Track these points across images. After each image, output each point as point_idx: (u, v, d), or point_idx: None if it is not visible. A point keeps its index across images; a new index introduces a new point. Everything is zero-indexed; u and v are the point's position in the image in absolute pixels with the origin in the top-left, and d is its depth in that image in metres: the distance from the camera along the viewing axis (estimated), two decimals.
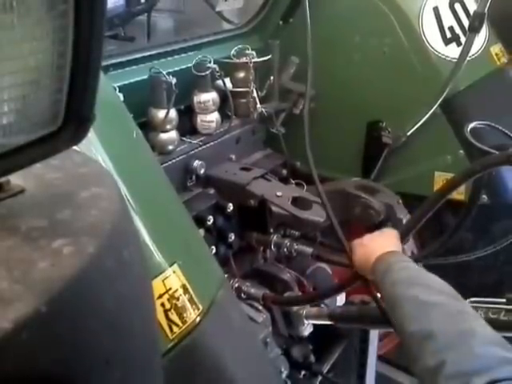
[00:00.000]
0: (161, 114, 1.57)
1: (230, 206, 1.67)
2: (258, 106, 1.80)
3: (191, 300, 0.88)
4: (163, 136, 1.59)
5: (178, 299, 0.85)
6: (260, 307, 1.57)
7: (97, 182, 0.62)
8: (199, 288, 0.91)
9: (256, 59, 1.77)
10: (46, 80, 0.47)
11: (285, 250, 1.74)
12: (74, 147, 0.55)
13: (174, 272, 0.88)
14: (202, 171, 1.69)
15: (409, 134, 1.79)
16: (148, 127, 1.56)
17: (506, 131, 1.49)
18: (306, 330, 1.62)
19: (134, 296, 0.56)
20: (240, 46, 1.78)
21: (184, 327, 0.87)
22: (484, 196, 1.69)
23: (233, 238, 1.70)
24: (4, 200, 0.56)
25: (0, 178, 0.53)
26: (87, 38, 0.46)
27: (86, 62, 0.48)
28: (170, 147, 1.62)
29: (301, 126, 1.97)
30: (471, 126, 1.47)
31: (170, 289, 0.85)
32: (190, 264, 0.93)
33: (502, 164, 1.20)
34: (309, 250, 1.73)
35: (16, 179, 0.59)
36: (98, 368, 0.50)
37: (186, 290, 0.88)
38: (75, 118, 0.51)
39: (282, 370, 1.59)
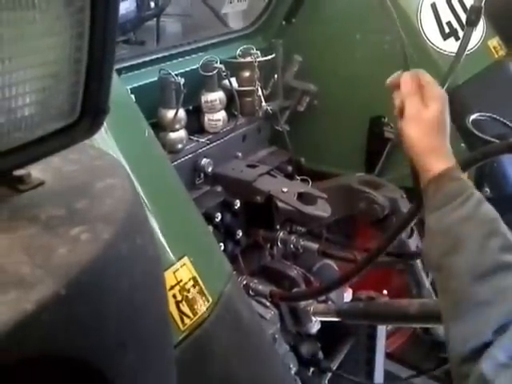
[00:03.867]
0: (170, 113, 1.59)
1: (238, 203, 1.68)
2: (263, 104, 1.82)
3: (201, 292, 0.89)
4: (172, 135, 1.61)
5: (188, 291, 0.86)
6: (268, 304, 1.58)
7: (111, 173, 0.64)
8: (208, 281, 0.92)
9: (260, 58, 1.78)
10: (64, 73, 0.48)
11: (291, 246, 1.75)
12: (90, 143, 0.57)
13: (184, 264, 0.89)
14: (210, 169, 1.71)
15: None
16: (158, 127, 1.57)
17: (507, 122, 1.51)
18: (314, 327, 1.63)
19: (148, 281, 0.58)
20: (245, 46, 1.80)
21: (195, 319, 0.88)
22: (487, 189, 1.69)
23: (240, 234, 1.71)
24: (25, 192, 0.58)
25: (21, 168, 0.54)
26: (102, 32, 0.48)
27: (101, 56, 0.49)
28: (179, 146, 1.63)
29: (305, 123, 1.99)
30: (473, 117, 1.48)
31: (181, 281, 0.87)
32: (200, 257, 0.94)
33: (502, 152, 1.20)
34: (315, 245, 1.74)
35: (36, 172, 0.61)
36: (115, 350, 0.52)
37: (196, 283, 0.89)
38: (91, 109, 0.53)
39: (291, 366, 1.60)
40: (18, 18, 0.43)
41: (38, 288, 0.44)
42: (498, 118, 1.60)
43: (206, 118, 1.77)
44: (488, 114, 1.61)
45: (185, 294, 0.86)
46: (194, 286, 0.87)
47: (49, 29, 0.45)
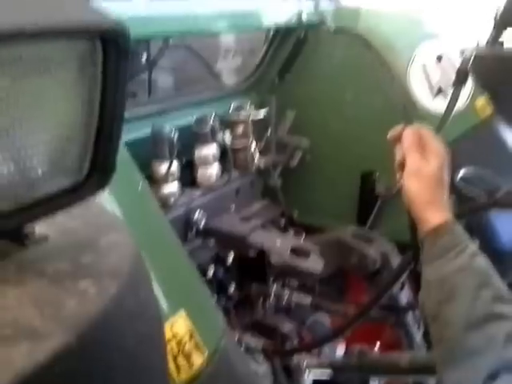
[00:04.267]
0: (163, 167, 1.62)
1: (231, 257, 1.71)
2: (256, 158, 1.87)
3: (197, 345, 0.91)
4: (165, 189, 1.64)
5: (185, 345, 0.89)
6: (260, 359, 1.59)
7: (113, 229, 0.67)
8: (204, 334, 0.94)
9: (254, 114, 1.84)
10: (75, 135, 0.52)
11: (284, 300, 1.77)
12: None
13: (180, 318, 0.91)
14: (203, 222, 1.73)
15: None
16: (151, 180, 1.61)
17: (493, 178, 1.57)
18: (307, 382, 1.63)
19: (150, 334, 0.60)
20: (239, 102, 1.86)
21: (191, 372, 0.90)
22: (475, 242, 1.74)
23: (233, 289, 1.73)
24: (31, 246, 0.61)
25: (31, 224, 0.57)
26: (112, 97, 0.52)
27: (111, 119, 0.53)
28: (172, 199, 1.66)
29: (297, 177, 2.05)
30: (461, 173, 1.54)
31: (178, 334, 0.89)
32: (195, 311, 0.96)
33: (489, 207, 1.26)
34: (308, 299, 1.76)
35: (40, 227, 0.64)
36: None
37: (192, 336, 0.91)
38: (100, 168, 0.57)
39: None
40: (35, 84, 0.47)
41: (49, 340, 0.46)
42: (485, 174, 1.67)
43: (199, 172, 1.81)
44: (476, 171, 1.68)
45: (181, 347, 0.88)
46: (190, 339, 0.90)
47: (63, 95, 0.50)
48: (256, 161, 1.88)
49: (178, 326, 0.90)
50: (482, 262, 0.99)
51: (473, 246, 1.00)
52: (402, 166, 1.08)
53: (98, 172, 0.57)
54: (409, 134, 1.09)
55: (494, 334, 0.88)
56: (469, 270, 0.96)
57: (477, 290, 0.93)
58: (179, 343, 0.88)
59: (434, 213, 1.02)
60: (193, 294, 1.02)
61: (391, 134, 1.14)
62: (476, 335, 0.89)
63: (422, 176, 1.04)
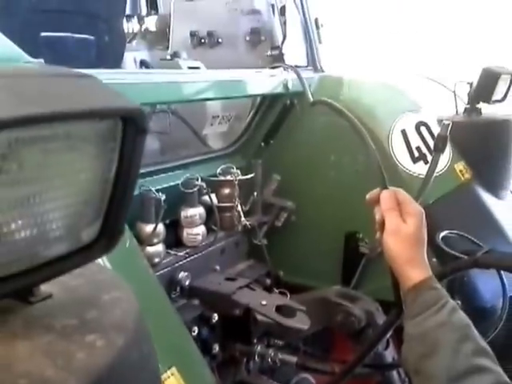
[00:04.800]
0: (149, 228, 1.66)
1: (215, 317, 1.73)
2: (243, 219, 1.94)
3: None
4: (150, 249, 1.67)
5: None
6: None
7: (114, 286, 0.72)
8: None
9: (240, 177, 1.92)
10: (91, 201, 0.59)
11: (269, 360, 1.79)
12: None
13: (172, 374, 0.95)
14: (187, 282, 1.76)
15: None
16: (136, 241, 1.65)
17: (473, 239, 1.66)
18: None
19: None
20: (225, 165, 1.95)
21: None
22: (458, 301, 1.79)
23: (217, 349, 1.75)
24: (36, 303, 0.66)
25: (44, 283, 0.63)
26: (127, 169, 0.59)
27: (123, 188, 0.60)
28: (157, 260, 1.69)
29: (283, 237, 2.12)
30: (442, 234, 1.63)
31: None
32: (186, 368, 1.01)
33: (470, 267, 1.33)
34: (293, 359, 1.78)
35: (43, 285, 0.69)
36: None
37: None
38: (110, 231, 0.63)
39: None
40: (63, 158, 0.54)
41: None
42: (465, 235, 1.75)
43: (184, 232, 1.85)
44: (456, 232, 1.76)
45: None
46: None
47: (85, 166, 0.57)
48: (242, 221, 1.95)
49: (170, 382, 0.93)
50: (462, 317, 1.05)
51: (452, 302, 1.07)
52: (382, 226, 1.16)
53: (108, 234, 0.63)
54: (386, 195, 1.18)
55: None
56: (449, 324, 1.02)
57: (457, 343, 0.99)
58: None
59: (415, 270, 1.09)
60: (183, 351, 1.07)
61: (369, 196, 1.22)
62: None
63: (401, 235, 1.12)
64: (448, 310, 1.04)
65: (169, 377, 0.94)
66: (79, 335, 0.60)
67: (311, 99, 1.85)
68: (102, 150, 0.57)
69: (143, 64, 2.58)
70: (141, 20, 2.86)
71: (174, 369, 0.95)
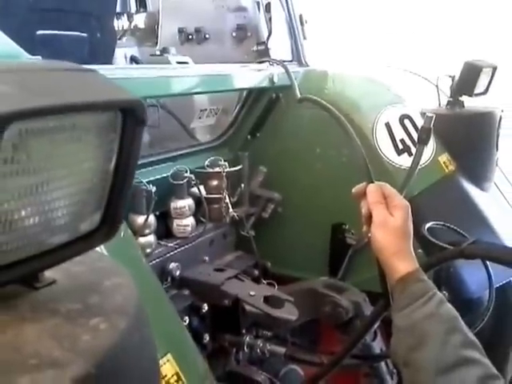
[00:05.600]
0: (140, 219, 1.70)
1: (205, 307, 1.76)
2: (230, 210, 1.97)
3: None
4: (142, 240, 1.71)
5: None
6: None
7: (115, 273, 0.75)
8: (189, 376, 1.02)
9: (228, 169, 1.95)
10: (94, 190, 0.62)
11: (258, 350, 1.82)
12: None
13: (168, 361, 0.98)
14: (178, 273, 1.80)
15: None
16: None
17: (459, 230, 1.70)
18: None
19: (152, 370, 0.68)
20: (213, 158, 1.98)
21: None
22: (444, 292, 1.84)
23: (207, 339, 1.78)
24: (41, 288, 0.69)
25: (49, 269, 0.65)
26: (127, 159, 0.62)
27: (123, 177, 0.63)
28: (148, 250, 1.73)
29: (270, 229, 2.15)
30: (428, 225, 1.67)
31: (166, 375, 0.96)
32: (180, 355, 1.04)
33: (456, 257, 1.36)
34: (282, 350, 1.82)
35: (47, 272, 0.72)
36: None
37: (179, 378, 0.98)
38: (110, 219, 0.65)
39: None
40: (68, 148, 0.57)
41: (71, 368, 0.54)
42: (450, 226, 1.79)
43: (174, 223, 1.89)
44: (441, 223, 1.80)
45: None
46: (177, 381, 0.96)
47: (88, 156, 0.59)
48: (230, 212, 1.98)
49: (165, 368, 0.96)
50: (450, 309, 1.08)
51: (440, 294, 1.10)
52: (368, 219, 1.20)
53: (108, 223, 0.66)
54: (372, 189, 1.21)
55: (466, 379, 0.96)
56: (437, 316, 1.05)
57: (445, 335, 1.01)
58: None
59: (402, 262, 1.12)
60: (177, 339, 1.10)
61: (355, 190, 1.26)
62: (447, 380, 0.96)
63: (389, 228, 1.15)
64: (436, 301, 1.06)
65: (165, 363, 0.97)
66: (83, 319, 0.63)
67: (299, 95, 1.88)
68: (103, 140, 0.59)
69: (133, 60, 2.61)
70: (130, 17, 2.90)
71: (169, 355, 0.98)
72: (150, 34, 2.82)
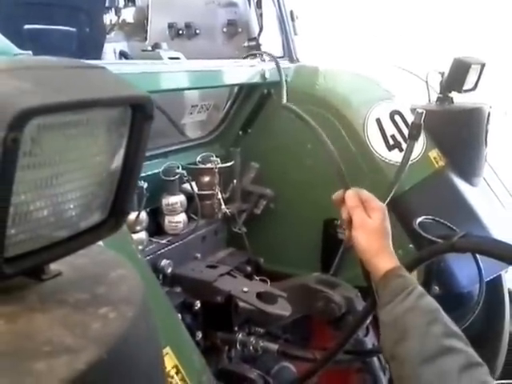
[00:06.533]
0: (132, 216, 1.72)
1: (198, 304, 1.79)
2: (223, 206, 2.00)
3: (183, 379, 1.01)
4: (134, 237, 1.71)
5: (172, 377, 0.98)
6: None
7: (119, 265, 0.78)
8: (188, 369, 1.05)
9: (220, 165, 1.98)
10: (103, 183, 0.65)
11: (250, 347, 1.85)
12: None
13: (167, 353, 1.01)
14: (170, 270, 1.82)
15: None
16: None
17: (449, 224, 1.74)
18: None
19: (157, 357, 0.71)
20: (205, 154, 2.00)
21: None
22: (435, 287, 1.88)
23: (200, 336, 1.81)
24: (48, 280, 0.71)
25: (59, 259, 0.68)
26: (135, 153, 0.65)
27: (131, 169, 0.66)
28: (140, 247, 1.75)
29: (262, 225, 2.18)
30: (419, 220, 1.71)
31: (166, 368, 0.98)
32: (179, 348, 1.07)
33: (447, 251, 1.40)
34: (274, 346, 1.84)
35: (52, 264, 0.74)
36: None
37: (178, 370, 1.01)
38: (118, 211, 0.68)
39: None
40: (80, 142, 0.60)
41: (84, 353, 0.57)
42: (441, 220, 1.83)
43: (166, 220, 1.91)
44: (432, 217, 1.84)
45: (170, 380, 0.97)
46: (176, 373, 0.99)
47: (99, 149, 0.62)
48: (222, 209, 2.01)
49: (166, 360, 0.99)
50: (430, 301, 1.14)
51: (420, 287, 1.16)
52: (349, 223, 1.27)
53: (116, 214, 0.69)
54: (350, 194, 1.30)
55: (448, 368, 1.01)
56: (417, 309, 1.11)
57: (426, 327, 1.07)
58: (168, 376, 0.98)
59: (382, 261, 1.20)
60: (175, 332, 1.13)
61: (334, 197, 1.35)
62: (430, 370, 1.01)
63: (368, 229, 1.23)
64: (415, 295, 1.12)
65: (165, 355, 0.99)
66: (92, 308, 0.66)
67: (285, 99, 1.90)
68: (113, 135, 0.63)
69: (122, 55, 2.63)
70: (118, 12, 2.91)
71: (168, 348, 1.01)
72: (138, 28, 2.84)
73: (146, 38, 2.69)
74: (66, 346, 0.58)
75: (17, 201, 0.57)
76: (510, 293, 2.18)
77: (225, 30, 2.47)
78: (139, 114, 0.64)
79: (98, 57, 2.18)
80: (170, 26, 2.59)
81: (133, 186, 0.68)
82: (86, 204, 0.64)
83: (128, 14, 2.96)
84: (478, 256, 1.69)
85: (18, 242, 0.62)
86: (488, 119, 2.30)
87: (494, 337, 2.07)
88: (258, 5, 2.34)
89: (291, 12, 2.44)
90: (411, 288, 1.14)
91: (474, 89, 2.37)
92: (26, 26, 1.97)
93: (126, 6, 3.12)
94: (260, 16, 2.34)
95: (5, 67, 0.58)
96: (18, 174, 0.54)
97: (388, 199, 1.94)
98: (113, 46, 2.69)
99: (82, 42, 2.13)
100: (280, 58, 2.36)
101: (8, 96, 0.53)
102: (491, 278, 1.89)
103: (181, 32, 2.56)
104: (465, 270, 1.86)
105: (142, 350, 0.65)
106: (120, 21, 2.93)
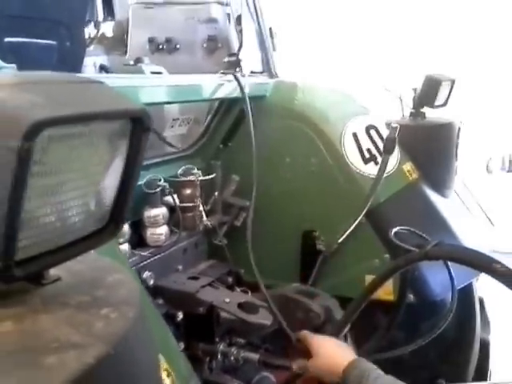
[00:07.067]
0: None
1: (180, 315, 1.82)
2: (204, 219, 2.04)
3: (173, 383, 1.05)
4: None
5: (163, 380, 1.02)
6: None
7: (115, 270, 0.82)
8: (177, 374, 1.08)
9: (201, 178, 2.03)
10: (104, 191, 0.69)
11: (231, 358, 1.88)
12: None
13: None
14: (152, 282, 1.85)
15: (339, 241, 2.06)
16: None
17: (422, 234, 1.82)
18: None
19: (155, 357, 0.75)
20: (186, 166, 2.05)
21: None
22: (410, 295, 1.95)
23: (182, 347, 1.83)
24: (47, 285, 0.75)
25: (60, 264, 0.72)
26: (133, 162, 0.70)
27: (128, 179, 0.71)
28: None
29: (242, 237, 2.22)
30: (394, 230, 1.78)
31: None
32: (168, 353, 1.10)
33: (421, 259, 1.48)
34: (255, 356, 1.88)
35: (51, 270, 0.78)
36: None
37: (169, 374, 1.05)
38: (116, 218, 0.73)
39: None
40: (83, 153, 0.65)
41: (92, 349, 0.61)
42: (415, 230, 1.91)
43: (148, 232, 1.94)
44: (407, 228, 1.92)
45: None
46: (167, 376, 1.03)
47: (100, 159, 0.67)
48: (204, 221, 2.05)
49: None
50: (387, 380, 1.34)
51: (376, 372, 1.37)
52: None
53: (115, 220, 0.73)
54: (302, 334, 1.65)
55: None
56: None
57: None
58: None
59: (339, 365, 1.44)
60: (163, 339, 1.16)
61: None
62: None
63: (317, 365, 1.56)
64: (372, 379, 1.34)
65: None
66: (94, 309, 0.70)
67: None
68: (114, 145, 0.67)
69: (102, 68, 2.66)
70: (97, 26, 2.95)
71: (160, 355, 1.05)
72: (118, 42, 2.88)
73: (125, 52, 2.73)
74: (74, 343, 0.62)
75: (27, 207, 0.61)
76: (480, 301, 2.26)
77: (205, 45, 2.53)
78: (138, 126, 0.69)
79: (79, 70, 2.21)
80: (151, 40, 2.63)
81: (131, 193, 0.72)
82: (87, 211, 0.69)
83: (107, 28, 3.00)
84: (450, 265, 1.76)
85: (26, 246, 0.66)
86: (458, 134, 2.40)
87: (466, 343, 2.14)
88: (238, 21, 2.40)
89: (270, 29, 2.51)
90: (367, 374, 1.36)
91: (445, 104, 2.46)
92: (7, 39, 2.00)
93: (105, 19, 3.17)
94: (240, 32, 2.40)
95: (16, 81, 0.63)
96: (29, 181, 0.59)
97: (364, 211, 2.02)
98: (93, 60, 2.72)
99: (62, 56, 2.16)
100: (259, 73, 2.43)
101: (22, 109, 0.58)
102: (463, 286, 1.97)
103: (161, 47, 2.61)
104: (438, 278, 1.92)
105: (142, 349, 0.70)
106: (99, 35, 2.97)
